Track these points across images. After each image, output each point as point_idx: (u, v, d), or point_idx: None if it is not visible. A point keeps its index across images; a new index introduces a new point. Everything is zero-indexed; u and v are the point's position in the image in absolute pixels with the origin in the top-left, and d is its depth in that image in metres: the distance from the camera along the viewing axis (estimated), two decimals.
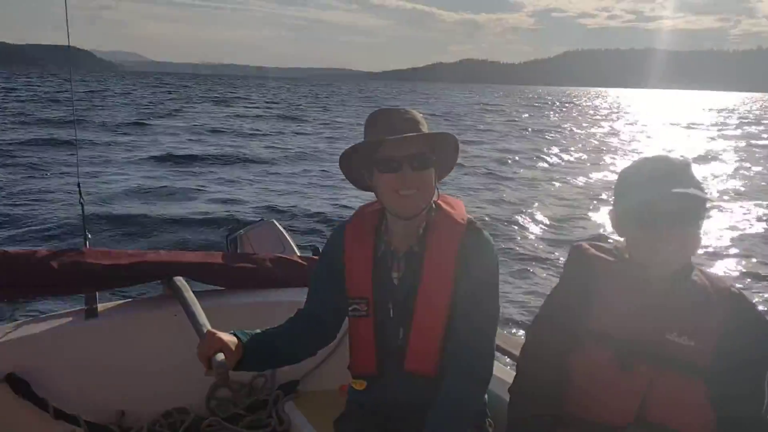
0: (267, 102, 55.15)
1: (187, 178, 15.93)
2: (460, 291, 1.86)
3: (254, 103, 53.98)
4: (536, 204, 13.79)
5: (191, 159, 18.96)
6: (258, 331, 1.91)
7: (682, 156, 1.77)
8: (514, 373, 1.89)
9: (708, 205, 1.66)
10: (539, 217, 12.46)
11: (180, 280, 2.64)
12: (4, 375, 2.40)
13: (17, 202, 11.97)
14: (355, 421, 2.04)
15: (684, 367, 1.60)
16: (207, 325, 2.12)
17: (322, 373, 2.88)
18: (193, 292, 2.60)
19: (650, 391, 1.62)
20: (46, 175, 15.12)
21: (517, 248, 9.90)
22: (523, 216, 12.41)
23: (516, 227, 11.54)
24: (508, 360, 2.34)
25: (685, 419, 1.61)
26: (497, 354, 2.05)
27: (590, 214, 13.04)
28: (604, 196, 14.52)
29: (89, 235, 2.88)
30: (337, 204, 13.02)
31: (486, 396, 1.98)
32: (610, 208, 1.80)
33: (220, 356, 1.74)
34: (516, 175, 18.60)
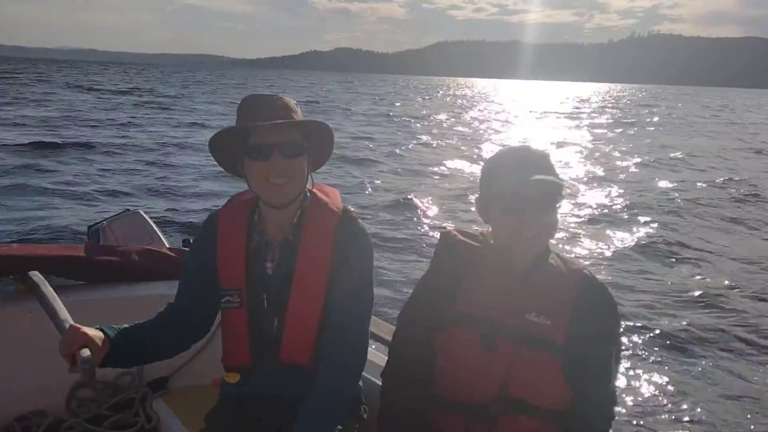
0: (122, 90, 52.21)
1: (38, 166, 14.80)
2: (336, 280, 1.86)
3: (113, 89, 51.08)
4: (409, 191, 14.12)
5: (41, 147, 17.63)
6: (126, 325, 1.83)
7: (542, 147, 1.89)
8: (382, 356, 1.93)
9: (564, 191, 1.76)
10: (412, 204, 12.75)
11: (36, 275, 2.44)
12: None
13: None
14: (226, 415, 2.00)
15: (542, 345, 1.70)
16: (69, 320, 1.97)
17: (194, 368, 2.80)
18: (54, 287, 2.43)
19: (511, 368, 1.70)
20: None
21: (392, 235, 10.05)
22: (396, 204, 12.66)
23: (390, 215, 11.72)
24: (381, 346, 2.38)
25: (544, 394, 1.71)
26: (371, 340, 2.07)
27: (459, 202, 13.44)
28: (468, 185, 15.01)
29: None
30: (208, 193, 12.67)
31: (360, 382, 2.00)
32: (476, 196, 1.87)
33: (86, 352, 1.65)
34: (385, 162, 18.88)
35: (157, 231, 3.16)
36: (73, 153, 17.25)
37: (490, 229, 1.83)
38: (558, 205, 1.75)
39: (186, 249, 2.96)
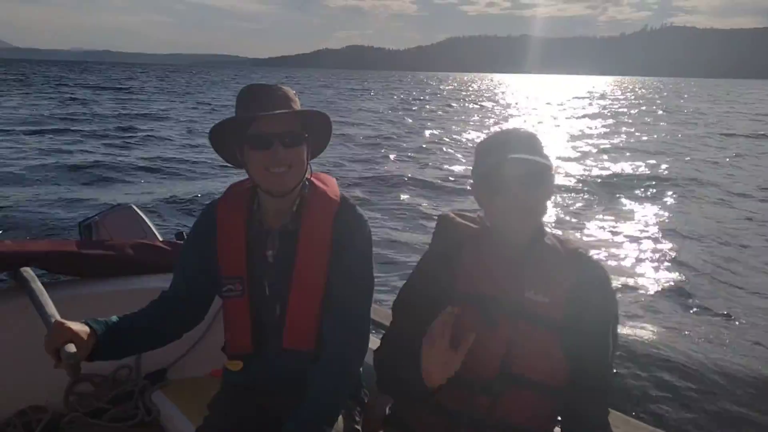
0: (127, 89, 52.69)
1: (34, 160, 14.99)
2: (336, 267, 1.88)
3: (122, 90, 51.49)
4: (408, 178, 14.18)
5: (37, 136, 17.83)
6: (114, 318, 1.83)
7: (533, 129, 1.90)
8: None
9: (555, 172, 1.78)
10: (410, 190, 12.79)
11: (27, 271, 2.47)
12: None
13: None
14: (230, 402, 2.00)
15: (541, 322, 1.72)
16: (56, 316, 2.00)
17: (191, 359, 2.81)
18: (48, 282, 2.45)
19: (511, 344, 1.72)
20: None
21: (390, 222, 10.06)
22: (395, 190, 12.70)
23: (389, 202, 11.73)
24: (382, 332, 2.38)
25: (544, 370, 1.72)
26: (371, 327, 2.08)
27: (461, 187, 13.46)
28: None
29: None
30: (201, 187, 12.69)
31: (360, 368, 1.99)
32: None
33: (70, 347, 1.64)
34: (395, 151, 18.95)
35: (150, 224, 3.16)
36: (67, 146, 17.43)
37: (484, 211, 1.85)
38: (545, 187, 1.75)
39: (179, 242, 2.96)
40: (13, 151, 16.58)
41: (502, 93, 79.85)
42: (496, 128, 1.99)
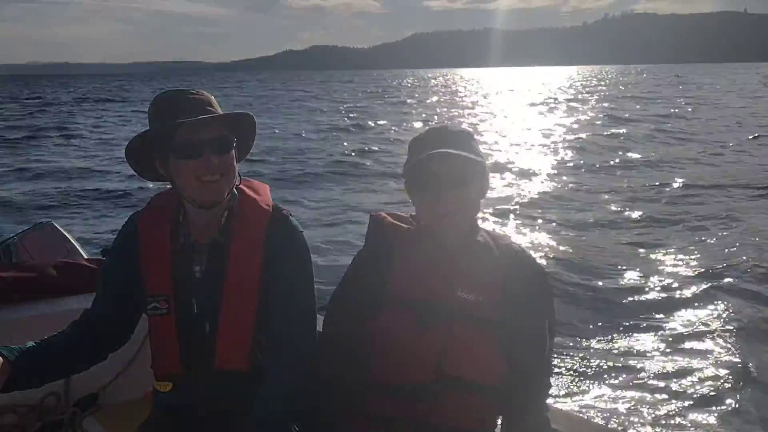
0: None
1: None
2: (271, 282, 1.79)
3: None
4: (342, 180, 14.24)
5: None
6: (31, 343, 1.72)
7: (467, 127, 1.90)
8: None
9: (486, 169, 1.75)
10: (340, 192, 12.81)
11: None
12: None
13: None
14: (160, 426, 1.90)
15: (474, 321, 1.69)
16: None
17: (124, 382, 2.68)
18: None
19: (446, 347, 1.69)
20: None
21: (324, 226, 10.02)
22: (323, 193, 12.81)
23: (319, 204, 11.75)
24: None
25: (480, 370, 1.70)
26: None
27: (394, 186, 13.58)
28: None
29: None
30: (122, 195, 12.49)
31: None
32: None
33: None
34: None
35: (74, 242, 3.03)
36: None
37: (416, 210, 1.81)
38: (476, 183, 1.71)
39: (105, 259, 2.81)
40: None
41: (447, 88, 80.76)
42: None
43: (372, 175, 15.96)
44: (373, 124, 29.37)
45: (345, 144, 22.28)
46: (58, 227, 3.10)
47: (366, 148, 20.82)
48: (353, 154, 19.76)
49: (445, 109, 41.98)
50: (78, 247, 3.00)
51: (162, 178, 1.81)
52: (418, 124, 28.71)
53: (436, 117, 34.64)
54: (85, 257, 2.89)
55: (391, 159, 18.18)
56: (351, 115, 35.53)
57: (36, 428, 2.52)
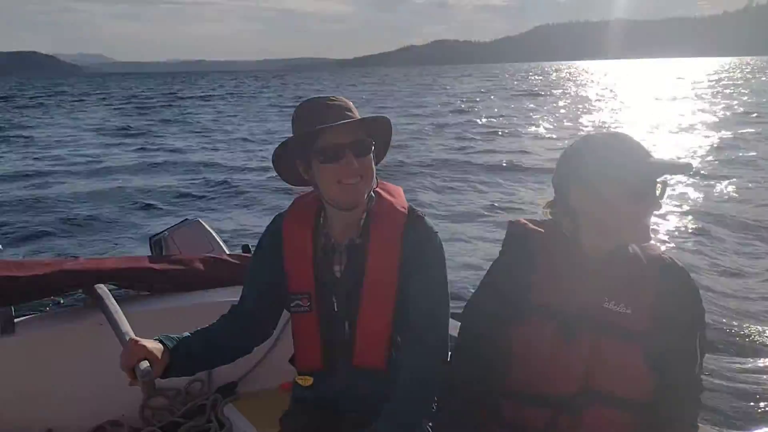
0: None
1: (104, 179, 15.70)
2: (407, 282, 1.81)
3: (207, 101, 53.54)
4: (475, 184, 13.86)
5: (107, 160, 18.65)
6: (187, 334, 1.84)
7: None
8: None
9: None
10: (478, 198, 12.47)
11: (101, 288, 2.53)
12: None
13: None
14: (301, 417, 1.97)
15: (623, 334, 1.63)
16: (130, 333, 2.03)
17: (261, 372, 2.81)
18: (120, 298, 2.50)
19: (593, 359, 1.64)
20: None
21: (459, 232, 9.74)
22: (462, 198, 12.44)
23: (455, 211, 11.43)
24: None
25: (627, 384, 1.64)
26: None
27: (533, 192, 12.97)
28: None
29: (1, 247, 2.75)
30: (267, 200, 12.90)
31: None
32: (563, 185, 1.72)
33: (145, 364, 1.67)
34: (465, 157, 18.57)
35: (218, 238, 3.20)
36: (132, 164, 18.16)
37: (568, 220, 1.69)
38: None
39: (246, 255, 2.97)
40: (83, 166, 17.56)
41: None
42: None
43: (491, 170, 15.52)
44: (496, 121, 28.72)
45: (464, 141, 21.83)
46: (204, 224, 3.30)
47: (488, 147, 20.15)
48: (471, 150, 19.24)
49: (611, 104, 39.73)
50: (221, 244, 3.18)
51: (304, 181, 1.87)
52: (566, 122, 27.40)
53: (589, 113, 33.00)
54: (228, 252, 3.05)
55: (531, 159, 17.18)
56: (466, 108, 34.85)
57: (182, 411, 2.70)
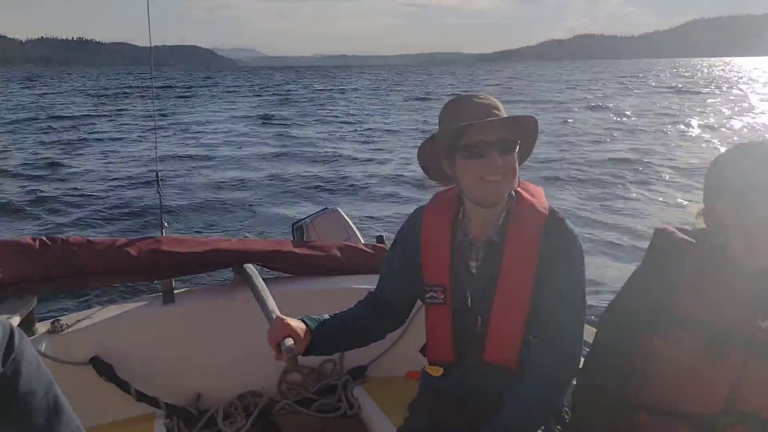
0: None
1: (260, 168, 16.46)
2: (543, 284, 1.81)
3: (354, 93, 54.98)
4: (619, 188, 13.11)
5: (252, 147, 19.54)
6: (326, 316, 1.94)
7: None
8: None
9: None
10: (621, 203, 11.79)
11: (250, 267, 2.71)
12: (89, 358, 2.54)
13: (101, 192, 13.06)
14: (429, 406, 2.03)
15: None
16: (276, 311, 2.15)
17: (389, 359, 2.90)
18: (264, 278, 2.66)
19: (741, 379, 1.55)
20: (128, 164, 16.55)
21: (600, 236, 9.30)
22: (605, 201, 11.83)
23: (598, 214, 10.91)
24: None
25: None
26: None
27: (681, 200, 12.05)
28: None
29: (166, 224, 3.02)
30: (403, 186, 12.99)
31: None
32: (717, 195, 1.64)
33: (289, 341, 1.78)
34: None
35: (354, 227, 3.33)
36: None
37: (727, 231, 1.61)
38: None
39: (380, 245, 3.07)
40: (231, 151, 18.63)
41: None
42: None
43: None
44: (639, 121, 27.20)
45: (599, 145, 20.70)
46: (342, 213, 3.47)
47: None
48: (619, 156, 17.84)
49: None
50: (357, 233, 3.33)
51: (446, 178, 1.90)
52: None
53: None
54: (363, 242, 3.17)
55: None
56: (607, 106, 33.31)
57: (315, 389, 2.86)
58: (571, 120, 26.97)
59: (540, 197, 1.90)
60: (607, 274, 7.28)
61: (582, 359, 1.84)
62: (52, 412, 1.31)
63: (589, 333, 1.99)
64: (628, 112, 30.13)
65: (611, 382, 1.70)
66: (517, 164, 1.81)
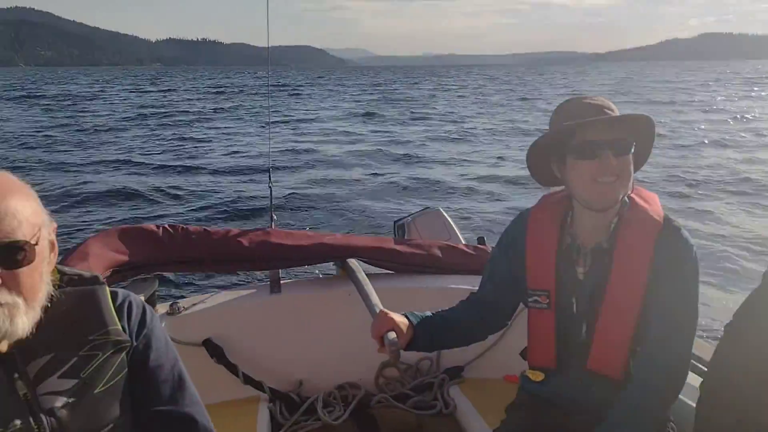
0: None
1: (362, 165, 16.80)
2: (654, 295, 1.74)
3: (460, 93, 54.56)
4: (742, 196, 12.20)
5: (356, 144, 19.93)
6: (428, 313, 1.95)
7: None
8: (701, 379, 1.71)
9: None
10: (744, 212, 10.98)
11: (353, 262, 2.79)
12: (202, 340, 2.70)
13: (217, 184, 13.82)
14: (528, 411, 2.00)
15: None
16: (379, 305, 2.19)
17: (487, 361, 2.88)
18: (367, 274, 2.72)
19: None
20: (242, 159, 17.51)
21: (717, 246, 8.72)
22: (723, 211, 11.07)
23: (715, 222, 10.23)
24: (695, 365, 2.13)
25: None
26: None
27: None
28: None
29: (275, 217, 3.16)
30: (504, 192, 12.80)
31: None
32: None
33: (392, 335, 1.81)
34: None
35: (455, 228, 3.33)
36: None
37: None
38: None
39: (481, 246, 3.06)
40: (338, 148, 19.09)
41: None
42: None
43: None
44: None
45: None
46: (444, 213, 3.49)
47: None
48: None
49: None
50: (458, 233, 3.34)
51: (554, 181, 1.86)
52: None
53: None
54: (463, 243, 3.18)
55: None
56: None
57: (412, 385, 2.89)
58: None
59: (655, 204, 1.82)
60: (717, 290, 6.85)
61: (695, 375, 1.75)
62: (176, 386, 1.42)
63: (699, 347, 1.90)
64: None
65: (740, 401, 1.57)
66: (632, 167, 1.74)
